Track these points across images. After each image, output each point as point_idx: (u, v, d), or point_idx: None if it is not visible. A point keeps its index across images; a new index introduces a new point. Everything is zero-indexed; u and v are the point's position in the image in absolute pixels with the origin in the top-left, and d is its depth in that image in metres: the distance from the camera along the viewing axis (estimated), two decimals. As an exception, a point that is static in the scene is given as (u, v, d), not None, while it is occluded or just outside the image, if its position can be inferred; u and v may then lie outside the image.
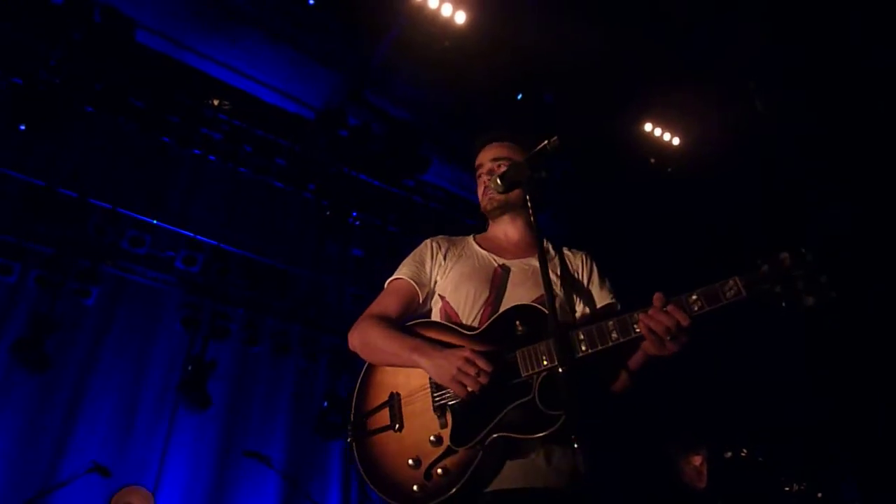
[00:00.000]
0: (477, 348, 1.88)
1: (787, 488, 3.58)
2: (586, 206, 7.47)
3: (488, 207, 2.33)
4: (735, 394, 5.36)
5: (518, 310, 1.95)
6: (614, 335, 1.79)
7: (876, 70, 5.41)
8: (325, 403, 6.60)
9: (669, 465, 4.01)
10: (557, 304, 2.01)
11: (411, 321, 2.17)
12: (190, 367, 6.08)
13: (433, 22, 5.79)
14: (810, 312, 1.64)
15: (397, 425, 1.91)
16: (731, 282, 1.73)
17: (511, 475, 1.81)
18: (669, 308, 1.75)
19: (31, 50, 5.92)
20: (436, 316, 2.20)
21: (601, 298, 2.19)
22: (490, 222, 2.40)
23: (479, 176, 2.36)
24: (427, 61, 6.17)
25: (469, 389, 1.80)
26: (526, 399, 1.79)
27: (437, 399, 1.89)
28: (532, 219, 1.91)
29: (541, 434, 1.73)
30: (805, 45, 5.67)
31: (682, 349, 1.76)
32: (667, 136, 7.00)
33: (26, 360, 5.54)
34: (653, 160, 7.16)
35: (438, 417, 1.86)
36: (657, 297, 1.78)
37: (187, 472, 6.02)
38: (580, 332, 1.82)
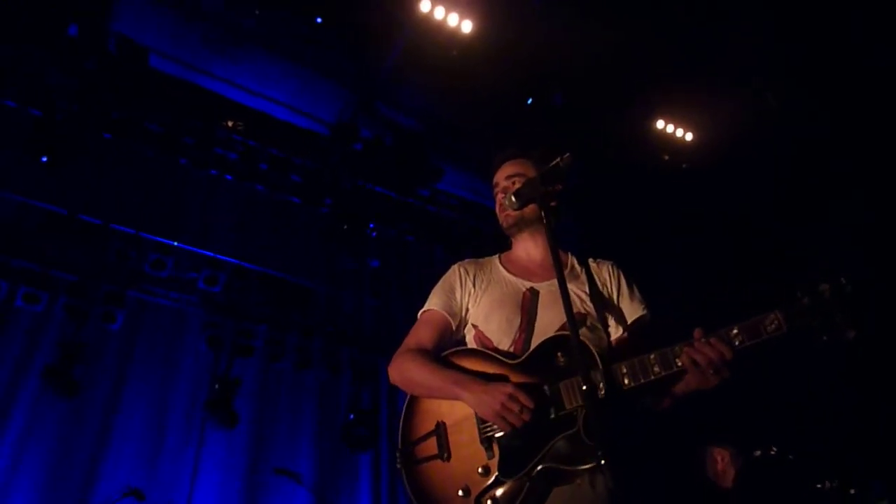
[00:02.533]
0: (519, 380, 1.91)
1: (818, 486, 3.54)
2: (601, 205, 7.45)
3: (505, 225, 2.35)
4: (765, 392, 5.32)
5: (558, 340, 1.96)
6: (656, 369, 1.82)
7: (880, 68, 5.36)
8: (351, 416, 6.64)
9: (697, 463, 3.99)
10: (589, 323, 2.05)
11: (447, 350, 2.19)
12: (216, 386, 6.15)
13: (440, 31, 5.82)
14: (851, 344, 1.64)
15: (445, 454, 1.94)
16: (771, 315, 1.73)
17: (558, 502, 1.84)
18: (713, 341, 1.78)
19: (48, 81, 6.04)
20: (470, 343, 2.22)
21: (632, 311, 2.19)
22: (512, 241, 2.41)
23: (496, 195, 2.38)
24: (436, 71, 6.20)
25: (514, 424, 1.83)
26: (571, 431, 1.82)
27: (484, 431, 1.92)
28: (549, 236, 1.91)
29: (587, 466, 1.77)
30: (812, 41, 5.63)
31: (725, 381, 1.79)
32: (680, 132, 6.96)
33: (56, 386, 5.64)
34: (667, 157, 7.13)
35: (486, 449, 1.89)
36: (697, 332, 1.81)
37: (218, 490, 6.08)
38: (623, 366, 1.84)
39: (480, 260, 2.39)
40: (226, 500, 6.06)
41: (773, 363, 5.70)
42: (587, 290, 2.10)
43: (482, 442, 1.90)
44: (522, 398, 1.83)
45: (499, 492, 1.82)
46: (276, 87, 6.86)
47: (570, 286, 2.04)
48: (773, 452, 3.81)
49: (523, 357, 1.99)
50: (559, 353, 1.92)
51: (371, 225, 7.31)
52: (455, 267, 2.36)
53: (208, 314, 6.54)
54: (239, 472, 6.22)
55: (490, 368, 1.98)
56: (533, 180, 1.99)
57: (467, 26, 5.77)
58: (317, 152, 7.06)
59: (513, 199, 2.05)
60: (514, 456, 1.84)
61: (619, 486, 1.45)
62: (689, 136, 7.01)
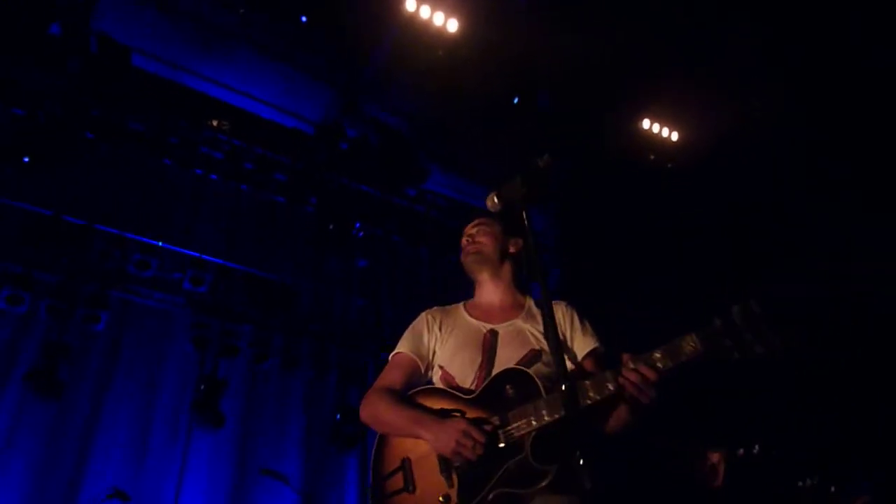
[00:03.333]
0: (473, 415, 2.11)
1: (800, 483, 3.58)
2: (586, 205, 7.48)
3: (466, 263, 2.59)
4: (747, 390, 5.37)
5: (507, 374, 2.16)
6: (591, 394, 2.00)
7: (875, 70, 5.41)
8: (339, 416, 6.63)
9: (684, 464, 4.02)
10: (544, 358, 2.23)
11: (414, 389, 2.38)
12: (202, 386, 6.12)
13: (426, 31, 5.82)
14: (761, 359, 1.80)
15: (411, 487, 2.12)
16: (688, 338, 1.92)
17: None
18: (639, 367, 1.95)
19: (30, 81, 5.99)
20: (437, 383, 2.40)
21: (584, 345, 2.35)
22: (475, 285, 2.62)
23: (462, 243, 2.65)
24: (422, 70, 6.20)
25: (468, 458, 2.01)
26: (520, 457, 2.01)
27: (443, 463, 2.11)
28: (531, 242, 1.96)
29: (536, 487, 1.96)
30: (799, 42, 5.68)
31: (656, 399, 1.93)
32: (665, 132, 7.00)
33: (40, 389, 5.59)
34: (653, 156, 7.17)
35: (446, 479, 2.07)
36: (625, 357, 1.98)
37: (205, 491, 6.05)
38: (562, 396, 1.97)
39: (447, 307, 2.59)
40: (213, 501, 6.03)
41: (758, 363, 5.76)
42: (541, 329, 2.27)
43: (442, 473, 2.09)
44: (475, 433, 2.02)
45: None
46: (261, 87, 6.84)
47: (526, 325, 2.36)
48: (755, 451, 3.85)
49: (477, 392, 2.19)
50: (508, 386, 2.12)
51: (357, 225, 7.30)
52: (423, 314, 2.56)
53: (194, 315, 6.50)
54: (226, 473, 6.19)
55: (448, 405, 2.18)
56: (514, 182, 2.00)
57: (453, 25, 5.78)
58: (302, 152, 7.04)
59: (495, 198, 2.08)
60: (470, 484, 2.03)
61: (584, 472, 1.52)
62: (674, 136, 7.05)
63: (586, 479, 1.52)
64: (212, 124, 6.66)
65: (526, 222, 1.95)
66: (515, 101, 6.62)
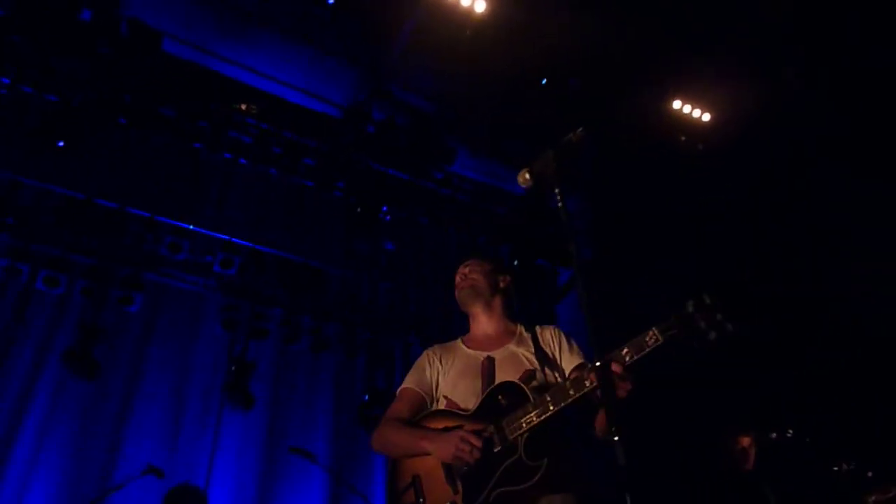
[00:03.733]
0: (470, 427, 2.32)
1: (835, 468, 3.52)
2: (615, 187, 7.39)
3: (461, 295, 2.81)
4: (784, 374, 5.29)
5: (499, 387, 2.39)
6: (571, 391, 2.20)
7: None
8: (366, 397, 6.69)
9: (716, 447, 3.98)
10: (537, 376, 2.43)
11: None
12: (233, 368, 6.21)
13: (453, 11, 5.77)
14: (716, 346, 1.98)
15: (421, 499, 2.33)
16: (649, 332, 2.10)
17: None
18: (608, 363, 2.05)
19: (62, 67, 6.08)
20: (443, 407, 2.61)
21: (571, 362, 2.54)
22: (470, 320, 2.84)
23: (455, 281, 2.89)
24: (449, 52, 6.15)
25: (467, 461, 2.23)
26: (515, 457, 2.23)
27: (447, 472, 2.33)
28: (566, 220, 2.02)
29: (530, 482, 2.16)
30: (834, 18, 5.52)
31: (632, 390, 2.08)
32: (697, 113, 6.87)
33: (77, 368, 5.73)
34: (683, 138, 7.05)
35: (451, 486, 2.29)
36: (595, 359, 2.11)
37: (236, 470, 6.17)
38: (547, 395, 2.25)
39: (446, 344, 2.81)
40: (244, 480, 6.15)
41: (793, 347, 5.67)
42: (532, 350, 2.54)
43: (447, 481, 2.31)
44: (471, 439, 2.25)
45: None
46: (288, 70, 6.85)
47: (519, 349, 2.57)
48: (789, 435, 3.79)
49: (474, 409, 2.42)
50: (500, 397, 2.34)
51: (384, 208, 7.31)
52: (425, 353, 2.78)
53: (224, 297, 6.60)
54: (256, 452, 6.30)
55: (449, 423, 2.41)
56: (545, 157, 1.99)
57: (480, 6, 5.72)
58: (329, 135, 7.06)
59: (526, 175, 2.09)
60: (473, 487, 2.25)
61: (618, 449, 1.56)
62: (706, 117, 6.92)
63: (621, 455, 1.51)
64: (240, 108, 6.69)
65: (559, 197, 1.93)
66: (543, 82, 6.55)
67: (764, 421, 3.92)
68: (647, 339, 2.09)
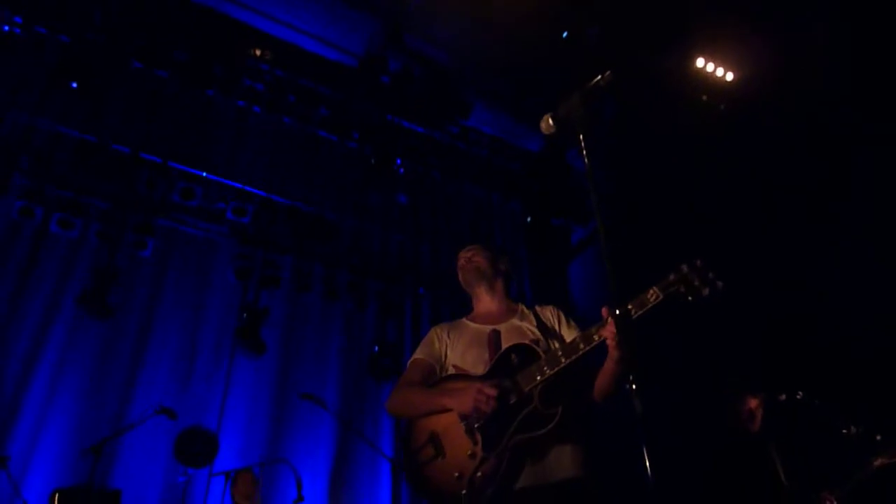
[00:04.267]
0: (487, 382, 2.46)
1: (844, 430, 3.52)
2: (635, 145, 7.28)
3: (466, 276, 2.97)
4: (796, 335, 5.27)
5: (511, 348, 2.55)
6: (581, 345, 2.37)
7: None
8: (376, 348, 6.75)
9: (724, 406, 3.99)
10: (540, 345, 2.57)
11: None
12: (245, 315, 6.27)
13: (473, -40, 5.61)
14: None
15: (441, 453, 2.47)
16: (651, 290, 2.29)
17: (532, 473, 2.35)
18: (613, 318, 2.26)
19: (76, 8, 5.98)
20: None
21: (570, 334, 2.70)
22: (473, 300, 3.01)
23: (459, 264, 3.03)
24: (467, 2, 6.00)
25: (485, 411, 2.36)
26: (531, 407, 2.38)
27: (467, 425, 2.46)
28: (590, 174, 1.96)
29: (547, 428, 2.31)
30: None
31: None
32: (720, 72, 6.70)
33: (91, 310, 5.79)
34: (705, 97, 6.89)
35: (470, 438, 2.42)
36: (604, 310, 2.31)
37: (247, 414, 6.28)
38: (559, 351, 2.43)
39: (452, 322, 2.98)
40: (254, 424, 6.26)
41: (804, 310, 5.64)
42: (535, 324, 2.73)
43: (467, 433, 2.43)
44: (488, 390, 2.38)
45: (485, 468, 2.34)
46: (304, 17, 6.72)
47: (523, 323, 2.74)
48: (798, 397, 3.78)
49: (487, 371, 2.57)
50: (513, 356, 2.52)
51: (398, 161, 7.25)
52: (432, 329, 2.96)
53: (237, 245, 6.62)
54: (267, 398, 6.40)
55: (464, 384, 2.53)
56: (572, 100, 1.94)
57: (502, -47, 5.54)
58: (344, 85, 6.96)
59: (549, 121, 2.05)
60: (492, 437, 2.38)
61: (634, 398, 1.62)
62: (729, 76, 6.75)
63: (637, 403, 1.50)
64: (254, 54, 6.59)
65: (584, 146, 1.88)
66: (564, 35, 6.39)
67: (774, 382, 3.92)
68: (649, 296, 2.28)
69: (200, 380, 6.25)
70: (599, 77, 1.84)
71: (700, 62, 6.67)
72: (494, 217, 8.23)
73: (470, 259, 2.98)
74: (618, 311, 2.12)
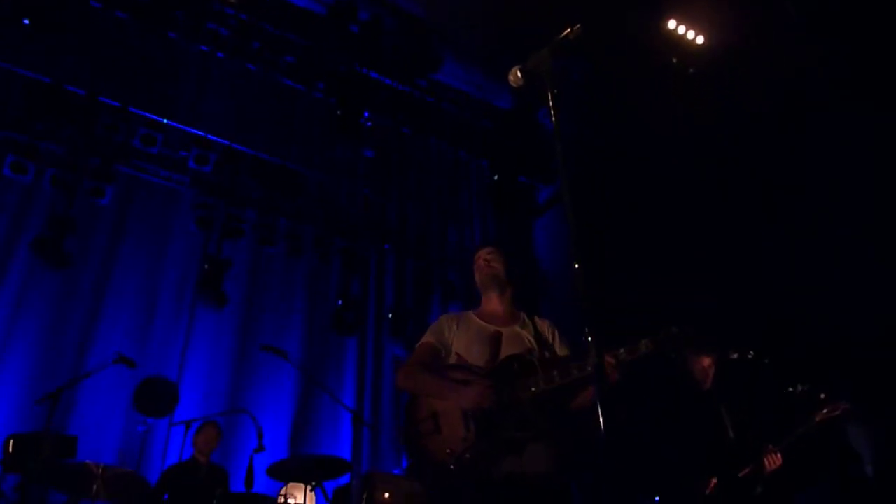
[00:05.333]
0: (486, 383, 2.79)
1: (790, 389, 3.67)
2: (605, 106, 7.28)
3: (483, 280, 3.18)
4: (749, 296, 5.42)
5: (514, 357, 2.87)
6: (575, 372, 2.70)
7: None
8: (340, 302, 6.75)
9: (676, 364, 4.11)
10: (534, 354, 2.90)
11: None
12: (206, 266, 6.19)
13: None
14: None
15: (437, 432, 2.80)
16: (643, 342, 2.66)
17: (513, 463, 2.66)
18: (606, 358, 2.54)
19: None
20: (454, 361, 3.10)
21: (562, 350, 3.05)
22: (483, 297, 3.24)
23: (478, 261, 3.23)
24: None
25: (483, 408, 2.71)
26: (521, 412, 2.71)
27: (464, 415, 2.77)
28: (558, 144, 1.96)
29: (532, 431, 2.68)
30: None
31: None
32: (691, 35, 6.71)
33: (47, 258, 5.65)
34: (675, 59, 6.90)
35: (465, 426, 2.74)
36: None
37: (208, 365, 6.26)
38: (555, 371, 2.74)
39: (460, 313, 3.26)
40: (215, 375, 6.24)
41: (754, 277, 5.80)
42: (532, 334, 3.03)
43: (463, 419, 2.75)
44: (489, 394, 2.73)
45: (473, 452, 2.68)
46: (271, -41, 6.49)
47: (523, 332, 3.03)
48: (749, 356, 3.91)
49: (490, 370, 2.88)
50: (515, 365, 2.83)
51: (366, 113, 7.14)
52: (443, 317, 3.24)
53: (199, 194, 6.48)
54: (229, 349, 6.37)
55: (469, 376, 2.87)
56: (541, 53, 1.92)
57: None
58: (312, 33, 6.79)
59: (518, 73, 2.05)
60: (484, 429, 2.71)
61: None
62: (700, 39, 6.76)
63: (593, 356, 1.55)
64: (219, -4, 6.37)
65: (551, 101, 1.87)
66: (537, -9, 6.29)
67: (725, 342, 4.04)
68: (642, 346, 2.66)
69: (161, 330, 6.18)
70: (569, 31, 1.83)
71: (672, 24, 6.66)
72: (461, 174, 8.20)
73: (489, 263, 3.18)
74: (605, 354, 2.41)
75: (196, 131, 6.51)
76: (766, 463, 3.60)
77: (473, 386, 2.79)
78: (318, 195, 7.17)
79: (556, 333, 3.11)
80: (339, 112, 6.81)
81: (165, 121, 6.40)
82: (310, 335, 6.81)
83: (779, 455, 3.60)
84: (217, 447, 5.25)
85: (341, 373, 6.77)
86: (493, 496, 2.68)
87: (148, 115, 6.33)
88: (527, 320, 3.13)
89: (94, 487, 4.29)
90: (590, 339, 1.64)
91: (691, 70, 7.00)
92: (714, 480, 3.67)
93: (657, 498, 4.76)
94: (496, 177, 7.90)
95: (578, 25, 1.80)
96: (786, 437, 3.61)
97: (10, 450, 4.23)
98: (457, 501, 2.76)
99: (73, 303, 5.94)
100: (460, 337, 3.09)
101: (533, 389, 2.71)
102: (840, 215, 5.62)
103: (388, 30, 6.68)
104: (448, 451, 2.72)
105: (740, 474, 3.65)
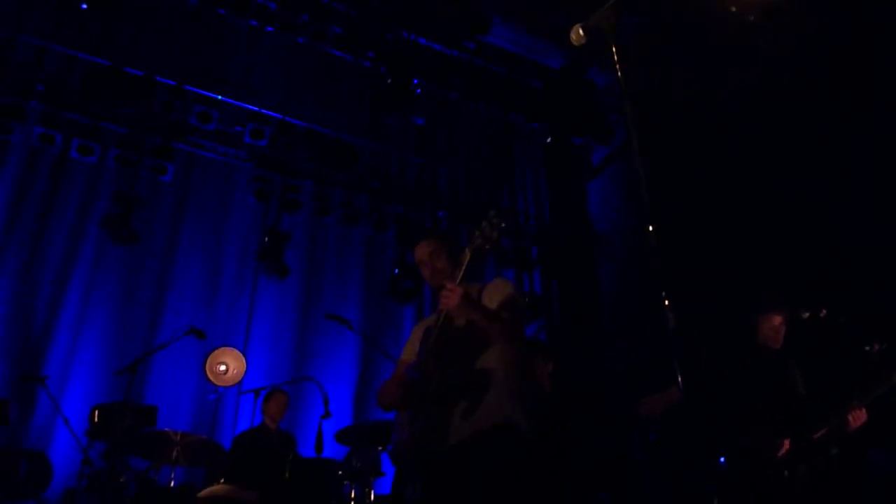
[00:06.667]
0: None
1: (867, 348, 3.53)
2: (658, 63, 7.02)
3: (434, 286, 2.95)
4: (823, 254, 5.22)
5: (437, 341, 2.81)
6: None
7: None
8: (396, 270, 6.81)
9: (747, 323, 3.99)
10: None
11: None
12: (266, 238, 6.32)
13: None
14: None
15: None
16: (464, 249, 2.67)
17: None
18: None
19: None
20: None
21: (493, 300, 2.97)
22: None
23: (422, 270, 3.04)
24: None
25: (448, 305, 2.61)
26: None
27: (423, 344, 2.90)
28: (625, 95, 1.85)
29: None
30: None
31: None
32: (751, -20, 6.37)
33: (115, 235, 5.86)
34: (734, 8, 6.59)
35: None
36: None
37: (272, 334, 6.45)
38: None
39: (428, 318, 3.15)
40: (279, 344, 6.43)
41: (829, 229, 5.57)
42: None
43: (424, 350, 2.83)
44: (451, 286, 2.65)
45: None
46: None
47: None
48: (822, 315, 3.77)
49: (419, 362, 2.87)
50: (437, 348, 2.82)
51: (415, 80, 7.08)
52: (414, 328, 3.23)
53: (255, 168, 6.59)
54: (292, 318, 6.56)
55: (405, 375, 2.90)
56: (604, 10, 1.84)
57: None
58: (358, 1, 6.73)
59: (580, 31, 1.97)
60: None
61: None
62: (760, -16, 6.42)
63: (671, 317, 1.50)
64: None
65: (615, 56, 1.80)
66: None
67: (797, 300, 3.91)
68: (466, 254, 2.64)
69: (226, 302, 6.38)
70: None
71: (730, -30, 6.34)
72: (513, 137, 8.08)
73: (430, 269, 2.99)
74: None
75: (250, 107, 6.59)
76: (851, 420, 3.48)
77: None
78: (370, 164, 7.20)
79: (484, 292, 2.97)
80: (388, 80, 6.78)
81: (220, 97, 6.50)
82: (368, 303, 6.93)
83: (863, 411, 3.49)
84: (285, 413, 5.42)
85: (399, 340, 6.87)
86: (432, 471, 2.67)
87: (203, 92, 6.43)
88: (478, 293, 2.97)
89: (174, 453, 4.51)
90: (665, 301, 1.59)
91: (752, 18, 6.68)
92: (787, 443, 3.58)
93: (721, 459, 4.70)
94: (549, 139, 7.76)
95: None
96: (863, 396, 3.49)
97: (96, 420, 4.47)
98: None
99: (142, 278, 6.18)
100: (416, 341, 3.06)
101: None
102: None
103: (434, -7, 6.58)
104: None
105: (815, 436, 3.56)
